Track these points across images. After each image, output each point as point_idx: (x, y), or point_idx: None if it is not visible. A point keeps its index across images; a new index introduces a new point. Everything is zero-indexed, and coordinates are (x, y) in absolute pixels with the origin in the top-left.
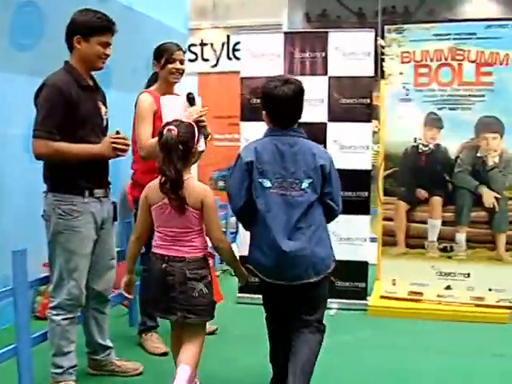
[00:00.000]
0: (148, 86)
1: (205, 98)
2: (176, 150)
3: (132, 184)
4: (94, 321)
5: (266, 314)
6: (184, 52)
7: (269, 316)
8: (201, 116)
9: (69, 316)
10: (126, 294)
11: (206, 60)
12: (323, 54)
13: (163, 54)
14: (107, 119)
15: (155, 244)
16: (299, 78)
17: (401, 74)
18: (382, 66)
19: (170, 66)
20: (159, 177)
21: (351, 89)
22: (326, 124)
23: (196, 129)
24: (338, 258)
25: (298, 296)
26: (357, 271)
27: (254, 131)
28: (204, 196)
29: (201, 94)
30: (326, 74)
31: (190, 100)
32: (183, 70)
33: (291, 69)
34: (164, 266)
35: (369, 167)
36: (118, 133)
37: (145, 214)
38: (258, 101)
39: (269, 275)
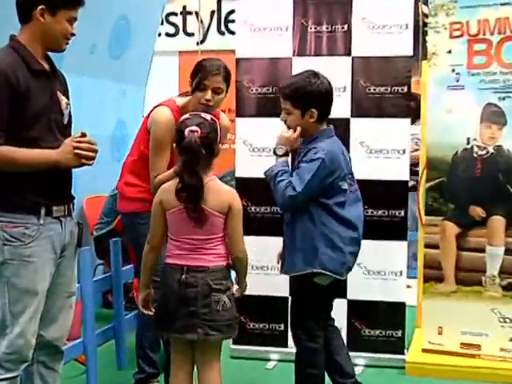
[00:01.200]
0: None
1: (188, 87)
2: (199, 154)
3: (121, 197)
4: (39, 379)
5: (316, 326)
6: (227, 76)
7: (321, 324)
8: None
9: (8, 376)
10: (145, 311)
11: (190, 34)
12: (345, 28)
13: (197, 74)
14: (70, 115)
15: (170, 254)
16: (314, 59)
17: (449, 52)
18: (424, 42)
19: (199, 93)
20: (176, 181)
21: (382, 73)
22: (348, 120)
23: (219, 126)
24: (365, 297)
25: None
26: (391, 315)
27: (255, 130)
28: (232, 200)
29: (183, 80)
30: (349, 53)
31: None
32: (217, 103)
33: (303, 47)
34: (183, 277)
35: (406, 177)
36: (83, 135)
37: (159, 219)
38: (263, 90)
39: (345, 273)
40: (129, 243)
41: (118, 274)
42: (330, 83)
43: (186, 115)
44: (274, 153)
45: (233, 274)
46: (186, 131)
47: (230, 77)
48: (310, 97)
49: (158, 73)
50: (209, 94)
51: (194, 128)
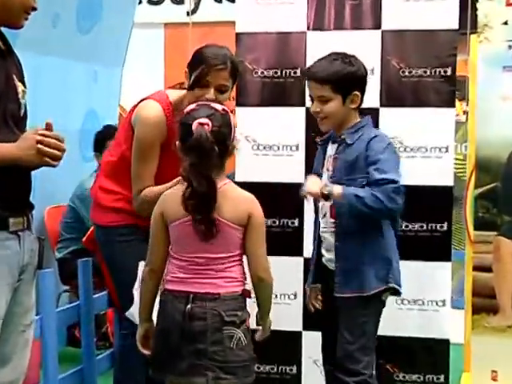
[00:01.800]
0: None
1: (175, 67)
2: (211, 152)
3: (93, 205)
4: None
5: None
6: (234, 70)
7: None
8: None
9: None
10: (145, 350)
11: (178, 2)
12: None
13: (197, 66)
14: (25, 105)
15: (171, 278)
16: (334, 34)
17: (505, 23)
18: (473, 12)
19: (198, 91)
20: (182, 187)
21: (420, 51)
22: (377, 111)
23: (232, 116)
24: (399, 333)
25: None
26: (431, 356)
27: (260, 123)
28: (252, 208)
29: (170, 60)
30: (378, 26)
31: None
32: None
33: (320, 19)
34: (188, 307)
35: (450, 182)
36: (48, 127)
37: (161, 235)
38: (270, 72)
39: None
40: (102, 263)
41: (88, 303)
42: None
43: (192, 105)
44: (326, 198)
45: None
46: (194, 124)
47: (237, 71)
48: (354, 78)
49: (139, 50)
50: (211, 93)
51: (203, 120)
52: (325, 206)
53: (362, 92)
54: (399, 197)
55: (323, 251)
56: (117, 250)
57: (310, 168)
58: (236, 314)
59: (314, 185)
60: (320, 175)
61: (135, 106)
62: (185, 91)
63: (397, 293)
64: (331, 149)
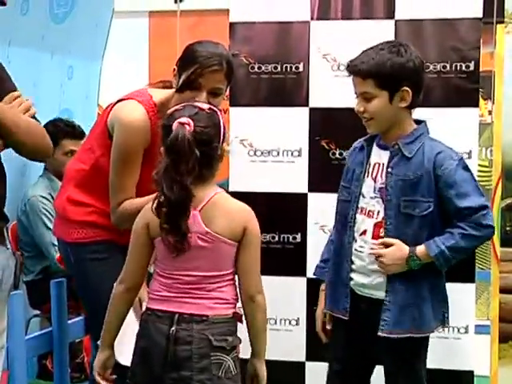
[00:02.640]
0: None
1: (161, 62)
2: (189, 155)
3: (59, 219)
4: None
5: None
6: (230, 72)
7: None
8: None
9: None
10: (101, 381)
11: None
12: None
13: (188, 66)
14: None
15: (154, 296)
16: (341, 24)
17: None
18: None
19: (189, 93)
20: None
21: (439, 44)
22: None
23: (222, 117)
24: None
25: None
26: None
27: (257, 125)
28: (248, 221)
29: (155, 53)
30: (391, 16)
31: None
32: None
33: (325, 7)
34: (173, 329)
35: None
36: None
37: (142, 249)
38: (268, 67)
39: None
40: (76, 288)
41: (62, 329)
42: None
43: (177, 106)
44: (411, 266)
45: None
46: (174, 125)
47: (232, 72)
48: (402, 71)
49: (120, 42)
50: (203, 96)
51: (183, 120)
52: (365, 221)
53: (415, 88)
54: (490, 219)
55: (353, 274)
56: (89, 270)
57: (315, 176)
58: (226, 338)
59: (396, 266)
60: (358, 181)
61: (111, 107)
62: (171, 91)
63: None
64: (379, 156)
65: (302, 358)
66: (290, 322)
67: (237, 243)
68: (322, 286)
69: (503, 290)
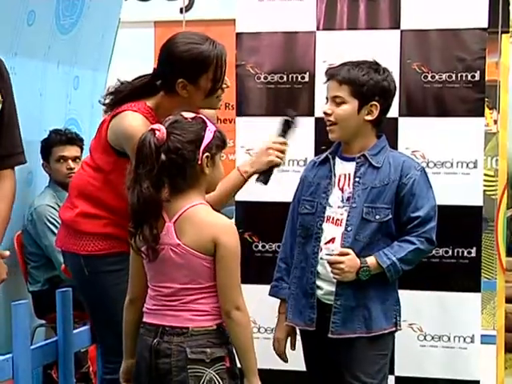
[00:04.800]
0: (137, 92)
1: None
2: (150, 161)
3: (67, 232)
4: None
5: None
6: None
7: None
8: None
9: None
10: None
11: None
12: None
13: (207, 67)
14: (3, 114)
15: (145, 309)
16: (346, 34)
17: None
18: (505, 8)
19: (219, 90)
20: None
21: (445, 53)
22: (395, 120)
23: (211, 128)
24: (422, 373)
25: None
26: None
27: (262, 135)
28: (218, 234)
29: None
30: (396, 26)
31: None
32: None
33: (331, 18)
34: (155, 341)
35: (479, 202)
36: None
37: (136, 262)
38: (274, 77)
39: None
40: (84, 297)
41: (67, 339)
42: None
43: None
44: (360, 277)
45: None
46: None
47: None
48: (376, 87)
49: (126, 52)
50: (227, 78)
51: (155, 126)
52: (332, 229)
53: (383, 106)
54: (435, 233)
55: (320, 282)
56: (105, 282)
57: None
58: (204, 351)
59: (349, 273)
60: (326, 193)
61: (107, 123)
62: (160, 95)
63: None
64: (343, 167)
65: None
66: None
67: (211, 257)
68: (281, 309)
69: (509, 300)
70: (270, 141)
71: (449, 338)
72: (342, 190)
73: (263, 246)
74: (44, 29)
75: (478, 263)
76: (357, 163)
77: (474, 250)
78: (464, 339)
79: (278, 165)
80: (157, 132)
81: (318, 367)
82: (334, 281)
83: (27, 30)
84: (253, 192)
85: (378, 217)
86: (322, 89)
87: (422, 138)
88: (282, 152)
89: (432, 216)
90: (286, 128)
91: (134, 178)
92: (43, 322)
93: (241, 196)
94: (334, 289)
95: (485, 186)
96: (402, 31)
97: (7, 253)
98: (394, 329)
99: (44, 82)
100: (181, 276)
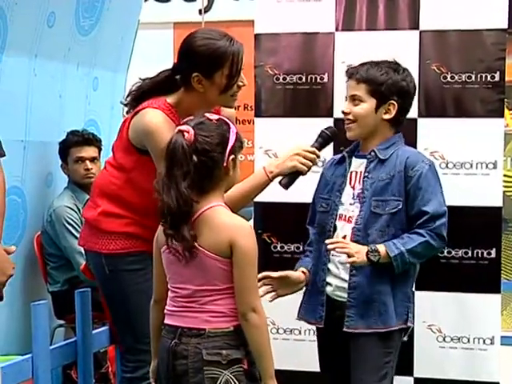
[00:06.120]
0: (158, 88)
1: None
2: (185, 162)
3: (90, 231)
4: None
5: None
6: None
7: None
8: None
9: None
10: None
11: None
12: None
13: (222, 62)
14: None
15: (166, 310)
16: (366, 35)
17: None
18: None
19: (234, 86)
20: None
21: (464, 54)
22: (415, 121)
23: (234, 129)
24: (441, 375)
25: None
26: None
27: (281, 136)
28: (234, 236)
29: None
30: (415, 26)
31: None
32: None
33: (350, 19)
34: (172, 343)
35: (498, 202)
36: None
37: (158, 263)
38: (293, 78)
39: None
40: (105, 296)
41: (87, 339)
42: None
43: (190, 117)
44: (373, 263)
45: None
46: (175, 132)
47: None
48: (394, 86)
49: (145, 53)
50: (243, 76)
51: (183, 128)
52: (344, 227)
53: (401, 106)
54: (446, 230)
55: (330, 279)
56: (125, 281)
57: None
58: (219, 352)
59: (360, 254)
60: (339, 191)
61: (129, 121)
62: (181, 92)
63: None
64: (357, 165)
65: None
66: (314, 333)
67: (228, 259)
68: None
69: None
70: (300, 147)
71: (468, 340)
72: (353, 187)
73: (282, 247)
74: (64, 30)
75: (498, 264)
76: (367, 159)
77: (493, 251)
78: (484, 341)
79: (301, 172)
80: (185, 133)
81: (329, 366)
82: (345, 277)
83: (47, 32)
84: (272, 193)
85: (387, 209)
86: (340, 90)
87: (441, 138)
88: (311, 161)
89: (441, 212)
90: (322, 141)
91: (168, 180)
92: (62, 322)
93: (260, 197)
94: (343, 284)
95: (504, 186)
96: (421, 32)
97: (13, 248)
98: (403, 326)
99: (64, 84)
100: (197, 277)
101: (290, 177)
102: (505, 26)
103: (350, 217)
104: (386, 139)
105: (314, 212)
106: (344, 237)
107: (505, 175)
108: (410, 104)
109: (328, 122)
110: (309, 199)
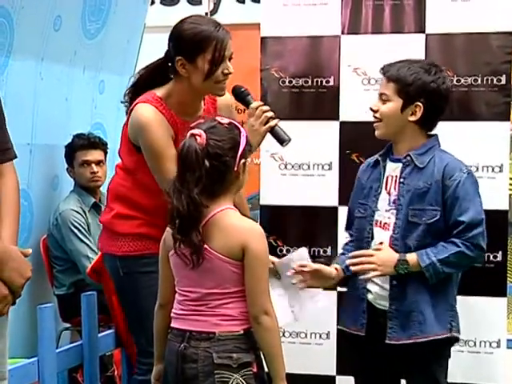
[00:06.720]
0: (145, 83)
1: None
2: (198, 167)
3: (106, 234)
4: None
5: None
6: None
7: None
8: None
9: None
10: None
11: (195, 2)
12: None
13: (204, 47)
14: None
15: (173, 314)
16: (371, 38)
17: None
18: None
19: (219, 69)
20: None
21: (470, 57)
22: None
23: (244, 133)
24: (449, 378)
25: None
26: None
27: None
28: (247, 239)
29: None
30: (421, 30)
31: (243, 96)
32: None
33: (356, 22)
34: (181, 346)
35: (504, 206)
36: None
37: (165, 266)
38: (299, 81)
39: None
40: (112, 298)
41: (93, 342)
42: (451, 86)
43: (200, 119)
44: (398, 270)
45: None
46: (187, 136)
47: None
48: (423, 87)
49: (152, 56)
50: (231, 66)
51: (196, 131)
52: (381, 233)
53: (429, 108)
54: (483, 240)
55: (370, 286)
56: (139, 283)
57: (345, 189)
58: (230, 356)
59: (386, 267)
60: (376, 196)
61: (126, 121)
62: (171, 84)
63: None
64: (392, 169)
65: (333, 372)
66: (320, 336)
67: (239, 262)
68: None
69: None
70: (250, 116)
71: (474, 343)
72: (389, 192)
73: (288, 250)
74: (70, 34)
75: (504, 267)
76: (403, 164)
77: (499, 254)
78: (490, 344)
79: (275, 124)
80: (197, 137)
81: (367, 374)
82: (385, 286)
83: (54, 36)
84: (278, 196)
85: (424, 218)
86: (346, 93)
87: (447, 141)
88: (265, 112)
89: (478, 221)
90: (247, 94)
91: (180, 184)
92: (68, 325)
93: (265, 200)
94: (384, 293)
95: (510, 190)
96: (427, 35)
97: (30, 251)
98: (448, 334)
99: (70, 87)
100: (207, 281)
101: (275, 134)
102: (511, 29)
103: (385, 223)
104: (421, 144)
105: (350, 217)
106: (381, 243)
107: (511, 178)
108: (440, 106)
109: (334, 125)
110: (314, 202)
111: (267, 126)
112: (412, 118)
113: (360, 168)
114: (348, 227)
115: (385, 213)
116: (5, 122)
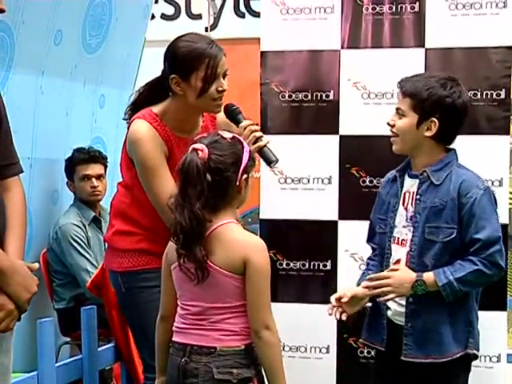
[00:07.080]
0: (145, 100)
1: None
2: (199, 181)
3: (108, 250)
4: None
5: None
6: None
7: None
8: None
9: None
10: None
11: (196, 17)
12: (416, 8)
13: (197, 65)
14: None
15: (175, 328)
16: (371, 53)
17: None
18: None
19: (213, 86)
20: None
21: (470, 72)
22: None
23: (247, 148)
24: None
25: None
26: None
27: (287, 153)
28: (248, 253)
29: None
30: (421, 44)
31: (234, 114)
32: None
33: (355, 36)
34: (183, 361)
35: (504, 220)
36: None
37: (168, 279)
38: (299, 96)
39: None
40: (112, 312)
41: (92, 356)
42: (469, 100)
43: (203, 134)
44: (416, 291)
45: None
46: (189, 150)
47: None
48: (438, 102)
49: (152, 71)
50: (225, 83)
51: (198, 146)
52: (399, 250)
53: (445, 123)
54: (502, 258)
55: (389, 303)
56: (139, 298)
57: (345, 203)
58: (230, 371)
59: (403, 288)
60: (394, 212)
61: (125, 139)
62: (168, 101)
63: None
64: (410, 185)
65: None
66: (320, 350)
67: (240, 276)
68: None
69: None
70: (240, 130)
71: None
72: (406, 208)
73: (287, 264)
74: (71, 48)
75: (504, 281)
76: (419, 180)
77: None
78: (490, 358)
79: (265, 144)
80: (199, 152)
81: None
82: (402, 303)
83: (54, 50)
84: (277, 210)
85: (440, 236)
86: (346, 107)
87: None
88: (254, 131)
89: (495, 239)
90: (239, 112)
91: (182, 199)
92: (68, 339)
93: (265, 214)
94: (401, 309)
95: (510, 204)
96: (426, 49)
97: (36, 265)
98: (462, 353)
99: (70, 101)
100: (209, 295)
101: (263, 155)
102: (510, 43)
103: (403, 240)
104: (438, 160)
105: (371, 230)
106: (398, 260)
107: (511, 193)
108: (457, 121)
109: (334, 139)
110: (314, 216)
111: (255, 145)
112: (428, 134)
113: (382, 181)
114: (369, 239)
115: (402, 229)
116: (11, 138)
